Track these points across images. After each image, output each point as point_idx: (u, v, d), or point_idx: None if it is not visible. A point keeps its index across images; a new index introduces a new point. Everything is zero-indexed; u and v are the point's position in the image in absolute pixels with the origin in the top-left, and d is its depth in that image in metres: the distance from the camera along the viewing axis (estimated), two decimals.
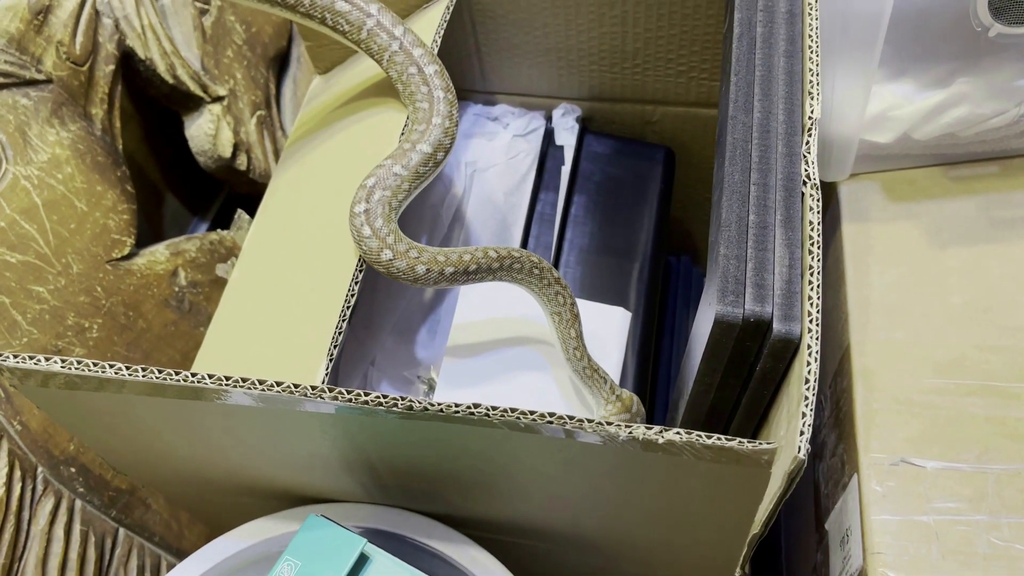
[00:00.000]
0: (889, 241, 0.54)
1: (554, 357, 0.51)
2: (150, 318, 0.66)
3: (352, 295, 0.45)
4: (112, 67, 0.67)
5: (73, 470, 0.58)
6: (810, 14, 0.44)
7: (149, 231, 0.81)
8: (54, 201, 0.60)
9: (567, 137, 0.64)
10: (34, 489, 0.56)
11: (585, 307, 0.53)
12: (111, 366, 0.38)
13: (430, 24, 0.56)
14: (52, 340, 0.58)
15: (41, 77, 0.61)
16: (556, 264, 0.59)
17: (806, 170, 0.39)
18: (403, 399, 0.35)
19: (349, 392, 0.36)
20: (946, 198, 0.56)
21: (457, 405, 0.35)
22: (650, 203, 0.63)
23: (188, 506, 0.58)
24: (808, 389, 0.33)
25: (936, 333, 0.50)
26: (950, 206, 0.55)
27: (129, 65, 0.71)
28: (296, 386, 0.36)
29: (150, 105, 0.77)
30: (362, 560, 0.40)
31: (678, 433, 0.33)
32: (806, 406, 0.33)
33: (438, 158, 0.48)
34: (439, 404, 0.35)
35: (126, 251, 0.65)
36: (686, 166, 0.67)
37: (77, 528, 0.58)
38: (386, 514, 0.46)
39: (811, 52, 0.43)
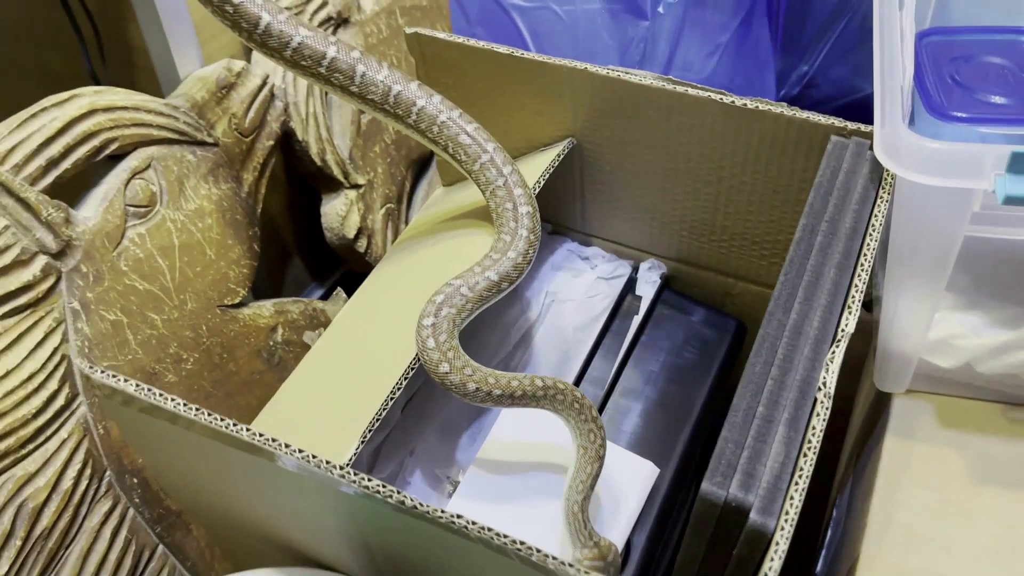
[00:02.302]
0: (929, 465, 0.54)
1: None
2: (241, 363, 0.73)
3: (398, 389, 0.49)
4: (271, 142, 0.77)
5: (135, 481, 0.65)
6: (871, 235, 0.47)
7: (269, 284, 0.90)
8: (189, 245, 0.69)
9: (647, 289, 0.68)
10: (97, 489, 0.63)
11: (615, 452, 0.55)
12: (185, 405, 0.43)
13: (541, 165, 0.62)
14: (152, 363, 0.66)
15: (210, 140, 0.71)
16: (605, 402, 0.62)
17: (824, 378, 0.41)
18: (398, 492, 0.39)
19: (356, 474, 0.40)
20: (999, 436, 0.55)
21: (443, 512, 0.38)
22: (712, 369, 0.65)
23: (219, 540, 0.63)
24: (766, 570, 0.34)
25: (953, 570, 0.49)
26: (1001, 446, 0.55)
27: (288, 142, 0.80)
28: (321, 460, 0.41)
29: (299, 179, 0.87)
30: None
31: None
32: None
33: (502, 287, 0.53)
34: (427, 506, 0.38)
35: (237, 300, 0.73)
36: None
37: (123, 534, 0.64)
38: None
39: (861, 270, 0.45)
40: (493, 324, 0.66)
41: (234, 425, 0.42)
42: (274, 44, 0.58)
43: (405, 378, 0.50)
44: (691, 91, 0.56)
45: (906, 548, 0.50)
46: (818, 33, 0.74)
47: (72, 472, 0.61)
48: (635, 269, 0.70)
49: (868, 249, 0.46)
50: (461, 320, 0.51)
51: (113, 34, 0.76)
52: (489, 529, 0.37)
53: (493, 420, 0.60)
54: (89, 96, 0.63)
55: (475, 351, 0.53)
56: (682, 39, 0.63)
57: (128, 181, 0.65)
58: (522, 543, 0.37)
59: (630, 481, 0.56)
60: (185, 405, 0.43)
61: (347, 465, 0.42)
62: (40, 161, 0.60)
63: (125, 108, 0.65)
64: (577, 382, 0.63)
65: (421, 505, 0.39)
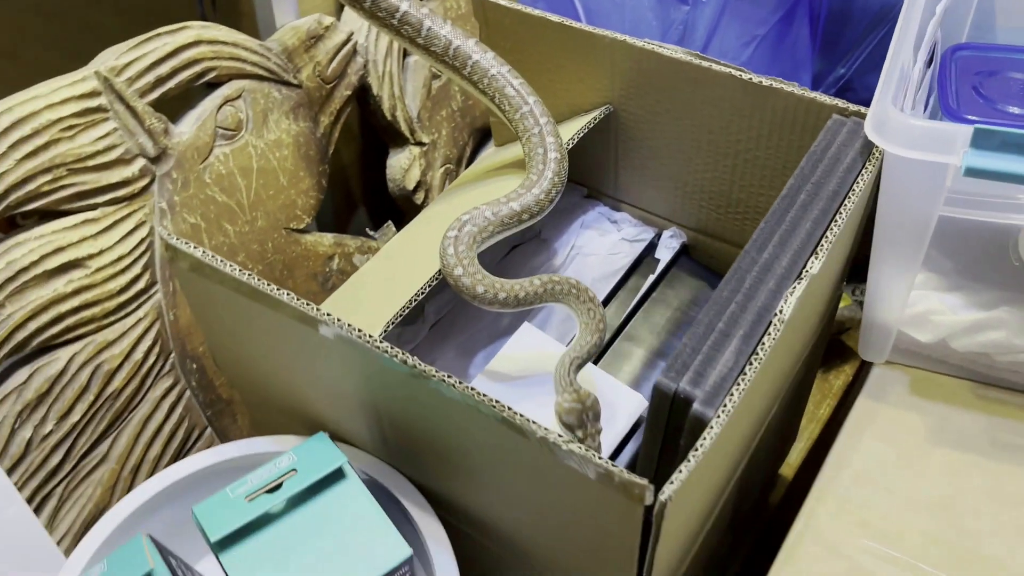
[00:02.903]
0: (892, 425, 0.59)
1: None
2: (298, 282, 0.82)
3: (422, 293, 0.57)
4: (349, 92, 0.86)
5: (194, 366, 0.74)
6: (850, 197, 0.52)
7: (335, 225, 0.99)
8: (265, 170, 0.78)
9: (665, 254, 0.74)
10: (162, 367, 0.72)
11: (608, 382, 0.61)
12: (250, 274, 0.51)
13: (577, 125, 0.69)
14: None
15: (295, 82, 0.81)
16: (610, 344, 0.68)
17: (782, 306, 0.47)
18: (408, 355, 0.47)
19: (373, 337, 0.48)
20: (964, 409, 0.60)
21: (446, 376, 0.45)
22: None
23: (256, 422, 0.71)
24: (695, 451, 0.41)
25: (893, 509, 0.54)
26: (963, 416, 0.59)
27: (364, 96, 0.89)
28: (346, 323, 0.48)
29: (372, 133, 0.96)
30: (339, 474, 0.51)
31: (579, 447, 0.42)
32: (686, 461, 0.40)
33: (523, 218, 0.60)
34: (430, 369, 0.46)
35: (302, 225, 0.82)
36: None
37: (179, 410, 0.74)
38: (378, 466, 0.56)
39: (835, 225, 0.51)
40: (520, 267, 0.73)
41: (278, 290, 0.50)
42: None
43: (429, 284, 0.58)
44: (715, 67, 0.62)
45: (853, 486, 0.55)
46: (857, 39, 0.80)
47: (143, 347, 0.70)
48: (658, 236, 0.76)
49: (845, 209, 0.52)
50: (482, 239, 0.59)
51: None
52: (471, 388, 0.44)
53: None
54: (197, 29, 0.73)
55: None
56: (720, 27, 0.70)
57: (220, 106, 0.75)
58: (496, 401, 0.44)
59: (619, 409, 0.62)
60: (250, 274, 0.52)
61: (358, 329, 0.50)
62: (150, 78, 0.70)
63: (225, 43, 0.75)
64: None
65: (419, 365, 0.46)
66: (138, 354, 0.70)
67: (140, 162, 0.69)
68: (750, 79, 0.61)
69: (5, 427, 0.63)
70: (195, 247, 0.53)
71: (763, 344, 0.46)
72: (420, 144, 0.93)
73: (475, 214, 0.59)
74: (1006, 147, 0.47)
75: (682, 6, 0.68)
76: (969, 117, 0.68)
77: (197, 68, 0.73)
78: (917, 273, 0.58)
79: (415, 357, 0.46)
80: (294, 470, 0.50)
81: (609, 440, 0.60)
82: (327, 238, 0.85)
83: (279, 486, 0.50)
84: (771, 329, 0.46)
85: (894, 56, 0.58)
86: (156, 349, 0.71)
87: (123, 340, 0.69)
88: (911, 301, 0.61)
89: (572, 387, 0.53)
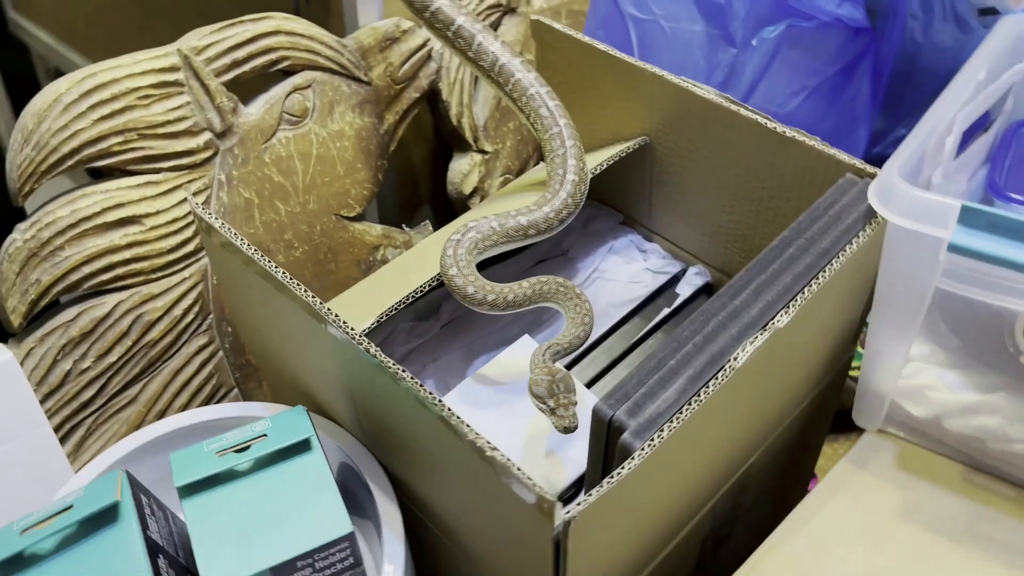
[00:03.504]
0: (866, 493, 0.58)
1: (541, 421, 0.62)
2: (341, 266, 0.87)
3: (416, 295, 0.60)
4: (417, 95, 0.90)
5: (230, 329, 0.80)
6: (838, 259, 0.52)
7: (399, 216, 1.04)
8: (324, 157, 0.83)
9: (686, 289, 0.75)
10: (200, 325, 0.78)
11: (588, 396, 0.63)
12: (265, 258, 0.55)
13: (610, 151, 0.71)
14: (268, 242, 0.81)
15: (365, 79, 0.85)
16: (609, 369, 0.69)
17: (737, 356, 0.47)
18: (378, 349, 0.49)
19: (346, 324, 0.51)
20: (947, 491, 0.58)
21: (400, 369, 0.48)
22: None
23: (273, 386, 0.76)
24: (610, 479, 0.42)
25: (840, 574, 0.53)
26: (945, 499, 0.58)
27: (435, 100, 0.93)
28: (326, 307, 0.52)
29: (440, 136, 1.00)
30: (305, 445, 0.54)
31: (501, 455, 0.44)
32: (598, 487, 0.42)
33: (529, 233, 0.62)
34: (387, 360, 0.49)
35: (352, 214, 0.87)
36: None
37: (209, 368, 0.79)
38: (356, 448, 0.60)
39: (815, 285, 0.51)
40: None
41: (284, 274, 0.54)
42: (419, 5, 0.71)
43: (429, 284, 0.61)
44: (742, 111, 0.63)
45: (806, 548, 0.55)
46: (921, 101, 0.78)
47: (184, 304, 0.76)
48: (683, 271, 0.77)
49: (830, 268, 0.51)
50: (484, 246, 0.61)
51: None
52: (418, 383, 0.47)
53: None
54: (278, 20, 0.79)
55: None
56: (768, 73, 0.70)
57: (289, 93, 0.80)
58: (438, 400, 0.46)
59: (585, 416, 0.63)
60: (255, 250, 0.56)
61: (356, 330, 0.53)
62: (227, 60, 0.76)
63: (303, 36, 0.80)
64: (590, 349, 0.71)
65: (385, 360, 0.49)
66: (178, 310, 0.76)
67: (206, 135, 0.75)
68: (774, 128, 0.61)
69: (48, 357, 0.70)
70: (224, 225, 0.57)
71: (708, 388, 0.46)
72: (483, 152, 0.97)
73: (482, 222, 0.62)
74: (992, 228, 0.46)
75: (730, 48, 0.69)
76: (1012, 195, 0.66)
77: (272, 56, 0.78)
78: (912, 343, 0.57)
79: (379, 349, 0.49)
80: (265, 435, 0.54)
81: (579, 455, 0.62)
82: (376, 228, 0.90)
83: (249, 447, 0.54)
84: (720, 375, 0.47)
85: (925, 123, 0.57)
86: (196, 308, 0.77)
87: (166, 295, 0.75)
88: (909, 372, 0.59)
89: (544, 365, 0.55)
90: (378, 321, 0.59)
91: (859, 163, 0.58)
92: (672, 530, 0.55)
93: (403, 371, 0.48)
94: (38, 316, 0.71)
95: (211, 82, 0.75)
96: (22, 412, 0.64)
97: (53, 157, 0.68)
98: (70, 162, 0.69)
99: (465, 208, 0.98)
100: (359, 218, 0.88)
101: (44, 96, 0.68)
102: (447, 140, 0.98)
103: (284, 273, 0.54)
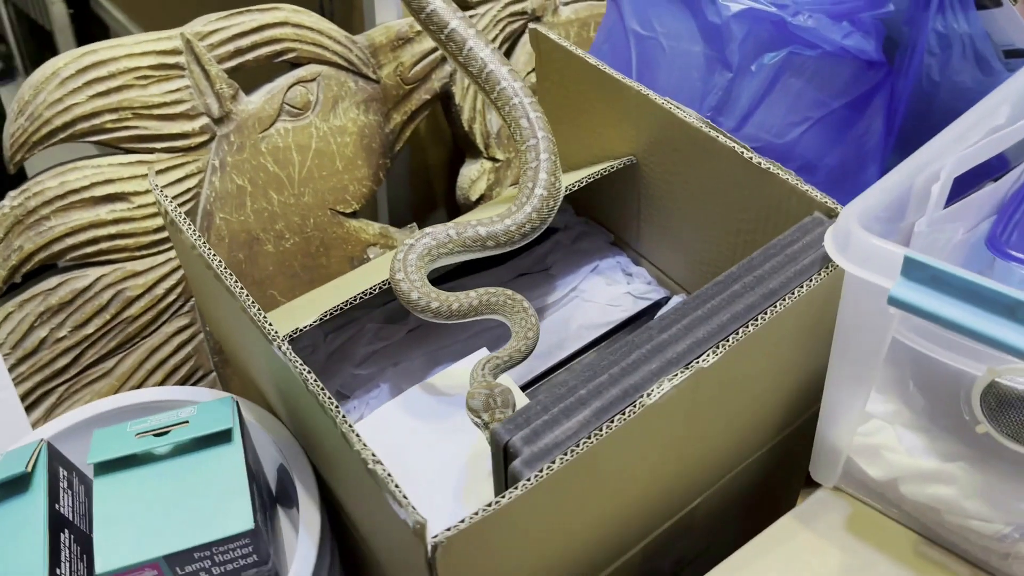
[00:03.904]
0: (803, 554, 0.54)
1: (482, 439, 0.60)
2: (332, 261, 0.87)
3: (359, 298, 0.59)
4: (428, 97, 0.89)
5: None
6: (783, 302, 0.49)
7: (412, 217, 1.04)
8: (323, 152, 0.83)
9: None
10: (182, 306, 0.79)
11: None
12: (232, 276, 0.55)
13: (598, 167, 0.68)
14: (258, 230, 0.81)
15: (373, 77, 0.85)
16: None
17: (649, 393, 0.45)
18: (299, 360, 0.48)
19: (278, 337, 0.50)
20: (896, 561, 0.54)
21: (322, 390, 0.47)
22: None
23: (239, 373, 0.76)
24: (486, 507, 0.40)
25: None
26: (891, 570, 0.54)
27: (447, 103, 0.93)
28: (261, 314, 0.51)
29: (455, 140, 0.99)
30: (225, 436, 0.54)
31: (382, 469, 0.42)
32: (472, 515, 0.40)
33: (487, 244, 0.61)
34: (296, 362, 0.48)
35: (349, 210, 0.87)
36: None
37: (187, 349, 0.80)
38: (290, 446, 0.59)
39: (752, 327, 0.48)
40: None
41: (235, 282, 0.53)
42: (415, 5, 0.70)
43: (376, 288, 0.60)
44: (721, 138, 0.60)
45: None
46: None
47: (167, 284, 0.77)
48: (667, 299, 0.74)
49: (772, 310, 0.48)
50: (438, 253, 0.60)
51: None
52: (319, 386, 0.46)
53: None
54: (287, 11, 0.79)
55: None
56: (766, 100, 0.66)
57: (292, 85, 0.81)
58: (336, 406, 0.45)
59: None
60: (232, 276, 0.56)
61: (294, 332, 0.53)
62: (230, 47, 0.76)
63: (311, 29, 0.80)
64: (556, 367, 0.69)
65: (292, 360, 0.48)
66: (160, 289, 0.77)
67: (203, 120, 0.76)
68: (750, 158, 0.58)
69: (25, 323, 0.72)
70: (191, 227, 0.57)
71: (611, 423, 0.44)
72: (494, 160, 0.95)
73: (438, 229, 0.60)
74: (936, 284, 0.42)
75: (725, 72, 0.66)
76: (1013, 254, 0.61)
77: (277, 47, 0.79)
78: (868, 398, 0.53)
79: (289, 348, 0.48)
80: (187, 422, 0.54)
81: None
82: (374, 227, 0.89)
83: (169, 431, 0.54)
84: (628, 410, 0.44)
85: (905, 166, 0.54)
86: (178, 288, 0.78)
87: (149, 274, 0.76)
88: (869, 430, 0.55)
89: (483, 379, 0.53)
90: (320, 319, 0.59)
91: (831, 202, 0.55)
92: (589, 565, 0.52)
93: (308, 372, 0.47)
94: (21, 284, 0.73)
95: (212, 68, 0.75)
96: None
97: (45, 129, 0.70)
98: (63, 135, 0.70)
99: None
100: (356, 215, 0.88)
101: (43, 70, 0.70)
102: (459, 144, 0.97)
103: (220, 263, 0.54)
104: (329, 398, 0.46)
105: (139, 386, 0.78)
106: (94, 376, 0.76)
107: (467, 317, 0.58)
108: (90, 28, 1.77)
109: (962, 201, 0.61)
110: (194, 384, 0.82)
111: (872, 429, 0.55)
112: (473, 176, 0.95)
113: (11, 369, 0.72)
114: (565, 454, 0.42)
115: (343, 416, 0.45)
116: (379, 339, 0.71)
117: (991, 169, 0.65)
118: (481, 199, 0.96)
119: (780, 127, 0.68)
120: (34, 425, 0.74)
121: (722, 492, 0.60)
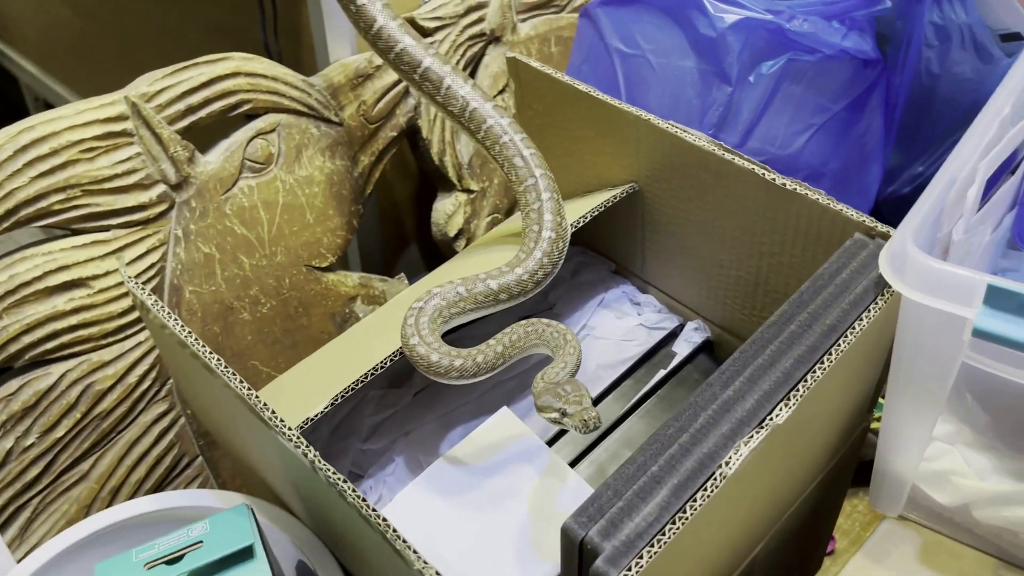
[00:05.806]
0: None
1: (520, 510, 0.55)
2: (313, 320, 0.81)
3: (375, 372, 0.54)
4: (395, 134, 0.84)
5: None
6: (846, 337, 0.45)
7: (384, 263, 0.98)
8: (292, 206, 0.77)
9: (684, 348, 0.68)
10: (158, 392, 0.72)
11: (573, 478, 0.56)
12: (199, 343, 0.49)
13: (596, 200, 0.64)
14: (232, 299, 0.75)
15: (336, 120, 0.80)
16: (599, 441, 0.63)
17: (727, 461, 0.41)
18: (313, 454, 0.43)
19: (292, 432, 0.45)
20: None
21: (335, 474, 0.42)
22: None
23: (234, 461, 0.70)
24: None
25: None
26: None
27: (413, 138, 0.87)
28: (268, 409, 0.45)
29: (423, 175, 0.94)
30: (247, 553, 0.48)
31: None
32: None
33: (500, 298, 0.56)
34: (326, 468, 0.43)
35: (324, 264, 0.81)
36: None
37: (169, 437, 0.73)
38: (312, 543, 0.54)
39: (819, 368, 0.44)
40: None
41: (224, 366, 0.48)
42: (382, 45, 0.65)
43: (390, 360, 0.55)
44: (737, 160, 0.56)
45: None
46: (940, 136, 0.71)
47: (139, 371, 0.70)
48: (681, 326, 0.70)
49: (837, 350, 0.45)
50: (450, 314, 0.55)
51: (288, 12, 0.86)
52: (362, 499, 0.41)
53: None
54: (237, 61, 0.73)
55: None
56: (768, 111, 0.63)
57: (252, 139, 0.74)
58: (384, 520, 0.40)
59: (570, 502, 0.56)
60: (187, 331, 0.50)
61: (306, 423, 0.47)
62: (180, 106, 0.70)
63: (265, 76, 0.74)
64: None
65: (322, 466, 0.43)
66: (132, 377, 0.70)
67: (159, 188, 0.70)
68: (773, 179, 0.54)
69: None
70: (162, 308, 0.51)
71: (694, 500, 0.40)
72: (468, 191, 0.90)
73: (447, 288, 0.55)
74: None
75: (724, 85, 0.62)
76: None
77: (231, 100, 0.72)
78: (935, 423, 0.50)
79: (317, 454, 0.43)
80: (201, 542, 0.48)
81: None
82: (352, 278, 0.84)
83: (183, 556, 0.48)
84: (709, 483, 0.40)
85: (944, 174, 0.51)
86: (152, 374, 0.71)
87: (118, 362, 0.69)
88: (932, 454, 0.52)
89: (543, 382, 0.49)
90: (332, 404, 0.53)
91: (869, 221, 0.52)
92: None
93: (344, 482, 0.42)
94: None
95: (163, 130, 0.69)
96: None
97: None
98: (6, 223, 0.63)
99: (451, 251, 0.92)
100: (332, 268, 0.82)
101: None
102: (430, 178, 0.92)
103: (219, 360, 0.48)
104: (373, 510, 0.40)
105: (120, 485, 0.71)
106: (70, 481, 0.69)
107: (496, 368, 0.53)
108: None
109: (990, 201, 0.58)
110: (181, 471, 0.75)
111: (935, 453, 0.53)
112: (448, 211, 0.90)
113: None
114: (652, 545, 0.38)
115: (394, 530, 0.40)
116: (385, 406, 0.65)
117: (1006, 163, 0.63)
118: (460, 233, 0.91)
119: (784, 137, 0.65)
120: (10, 544, 0.67)
121: (778, 534, 0.56)
